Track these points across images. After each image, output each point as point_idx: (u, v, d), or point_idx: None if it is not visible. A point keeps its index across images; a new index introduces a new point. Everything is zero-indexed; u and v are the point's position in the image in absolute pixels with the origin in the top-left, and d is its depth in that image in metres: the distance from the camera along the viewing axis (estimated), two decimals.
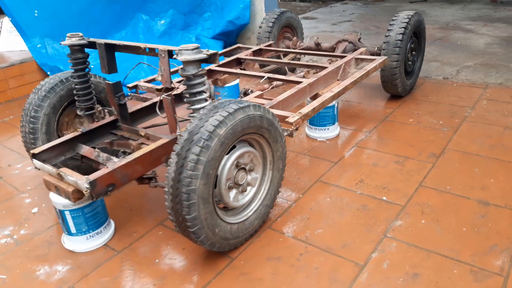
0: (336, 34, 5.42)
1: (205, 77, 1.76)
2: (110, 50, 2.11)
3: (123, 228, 2.06)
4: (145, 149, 1.87)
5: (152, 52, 1.95)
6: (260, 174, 1.90)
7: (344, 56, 3.05)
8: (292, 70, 4.02)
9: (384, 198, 2.12)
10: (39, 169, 1.95)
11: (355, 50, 3.50)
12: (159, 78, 2.11)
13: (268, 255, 1.80)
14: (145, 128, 2.36)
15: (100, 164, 2.03)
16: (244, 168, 1.79)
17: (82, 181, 1.67)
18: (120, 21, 4.71)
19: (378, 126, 2.91)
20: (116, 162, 1.77)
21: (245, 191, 1.84)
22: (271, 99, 2.32)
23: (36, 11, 4.17)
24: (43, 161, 1.98)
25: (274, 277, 1.68)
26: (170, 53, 1.83)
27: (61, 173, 1.77)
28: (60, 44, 2.15)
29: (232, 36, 5.06)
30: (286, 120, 2.06)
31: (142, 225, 2.07)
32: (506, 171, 2.27)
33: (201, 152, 1.51)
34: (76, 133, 2.12)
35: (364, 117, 3.08)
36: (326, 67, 2.75)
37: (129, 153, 2.06)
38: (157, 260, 1.83)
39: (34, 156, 1.97)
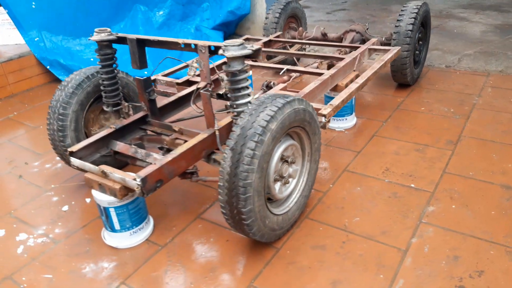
0: (333, 23, 5.47)
1: (249, 73, 1.78)
2: (141, 45, 2.10)
3: (162, 223, 2.08)
4: (188, 144, 1.89)
5: (188, 47, 1.96)
6: (300, 166, 1.95)
7: (357, 47, 3.11)
8: (298, 60, 4.05)
9: (412, 185, 2.21)
10: (77, 167, 1.95)
11: (363, 40, 3.57)
12: (191, 73, 2.12)
13: (312, 243, 1.87)
14: (171, 122, 2.37)
15: (137, 160, 2.04)
16: (286, 161, 1.83)
17: (130, 179, 1.68)
18: (118, 13, 4.62)
19: (393, 115, 2.99)
20: (163, 158, 1.79)
21: (288, 183, 1.89)
22: (297, 91, 2.36)
23: (33, 3, 4.06)
24: (80, 158, 1.98)
25: (322, 265, 1.75)
26: (210, 49, 1.84)
27: (105, 170, 1.78)
28: (89, 40, 2.13)
29: (231, 26, 5.04)
30: (319, 112, 2.11)
31: (180, 219, 2.09)
32: None
33: (256, 146, 1.55)
34: (110, 130, 2.11)
35: (376, 107, 3.16)
36: (343, 58, 2.80)
37: (167, 149, 2.08)
38: (203, 253, 1.87)
39: (71, 154, 1.96)
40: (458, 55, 3.95)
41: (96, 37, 2.11)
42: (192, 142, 1.92)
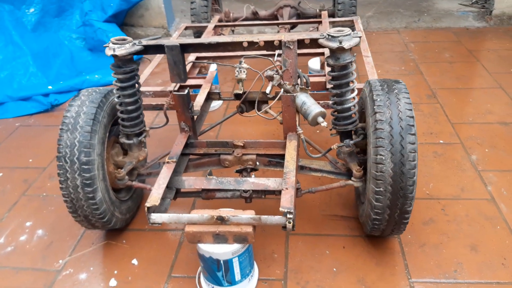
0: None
1: (354, 66, 1.60)
2: (183, 53, 1.66)
3: (256, 253, 1.77)
4: (292, 157, 1.63)
5: (253, 45, 1.64)
6: None
7: (314, 22, 3.13)
8: None
9: (441, 141, 2.41)
10: (159, 224, 1.49)
11: (297, 14, 3.57)
12: (242, 76, 1.81)
13: (420, 220, 1.88)
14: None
15: (217, 191, 1.67)
16: None
17: (254, 215, 1.39)
18: None
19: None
20: (287, 180, 1.51)
21: None
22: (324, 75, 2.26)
23: None
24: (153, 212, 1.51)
25: (448, 236, 1.79)
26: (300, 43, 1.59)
27: (223, 215, 1.42)
28: (109, 55, 1.54)
29: (121, 16, 4.36)
30: None
31: (272, 242, 1.83)
32: (490, 94, 2.84)
33: (415, 139, 1.45)
34: (171, 165, 1.65)
35: None
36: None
37: (252, 169, 1.76)
38: (334, 269, 1.68)
39: (150, 210, 1.47)
40: (363, 18, 4.33)
41: (120, 50, 1.57)
42: (292, 153, 1.66)
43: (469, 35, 3.85)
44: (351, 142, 1.64)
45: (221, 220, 1.42)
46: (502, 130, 2.47)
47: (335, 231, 1.86)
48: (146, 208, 1.46)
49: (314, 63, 2.87)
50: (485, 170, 2.16)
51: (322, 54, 2.55)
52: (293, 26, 3.53)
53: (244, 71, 1.80)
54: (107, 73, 3.58)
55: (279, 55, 2.53)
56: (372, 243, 1.79)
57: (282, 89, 1.81)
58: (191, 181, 1.65)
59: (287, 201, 1.42)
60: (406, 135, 1.44)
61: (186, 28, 3.23)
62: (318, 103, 1.73)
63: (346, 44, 1.48)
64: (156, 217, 1.47)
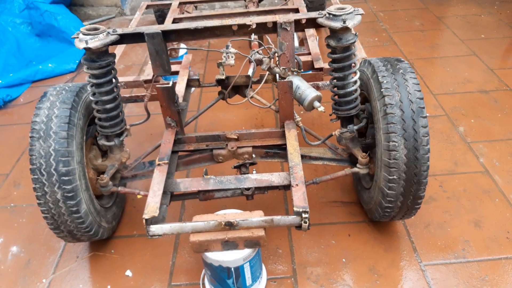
0: None
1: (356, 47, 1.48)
2: (165, 40, 1.47)
3: (261, 251, 1.68)
4: (295, 148, 1.53)
5: (244, 28, 1.48)
6: None
7: None
8: None
9: (427, 114, 2.37)
10: (159, 236, 1.34)
11: None
12: (231, 62, 1.66)
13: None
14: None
15: (216, 191, 1.54)
16: None
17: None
18: None
19: None
20: (295, 175, 1.40)
21: None
22: (308, 53, 2.14)
23: None
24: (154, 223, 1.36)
25: (450, 214, 1.78)
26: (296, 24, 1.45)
27: (231, 220, 1.30)
28: (81, 48, 1.32)
29: None
30: None
31: (274, 238, 1.73)
32: (466, 62, 2.83)
33: (427, 122, 1.37)
34: (163, 168, 1.48)
35: None
36: (296, 9, 2.62)
37: (251, 163, 1.62)
38: (343, 259, 1.62)
39: (148, 222, 1.32)
40: None
41: (94, 42, 1.35)
42: (294, 144, 1.55)
43: (435, 1, 3.83)
44: (355, 127, 1.55)
45: (230, 226, 1.30)
46: (483, 98, 2.48)
47: (338, 218, 1.80)
48: (144, 220, 1.31)
49: None
50: (474, 142, 2.16)
51: (302, 30, 2.41)
52: None
53: (232, 56, 1.64)
54: (62, 60, 3.26)
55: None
56: (377, 228, 1.74)
57: (268, 73, 1.69)
58: (187, 183, 1.50)
59: (300, 199, 1.31)
60: (418, 119, 1.36)
61: (148, 6, 2.96)
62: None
63: (350, 23, 1.36)
64: (156, 228, 1.32)
